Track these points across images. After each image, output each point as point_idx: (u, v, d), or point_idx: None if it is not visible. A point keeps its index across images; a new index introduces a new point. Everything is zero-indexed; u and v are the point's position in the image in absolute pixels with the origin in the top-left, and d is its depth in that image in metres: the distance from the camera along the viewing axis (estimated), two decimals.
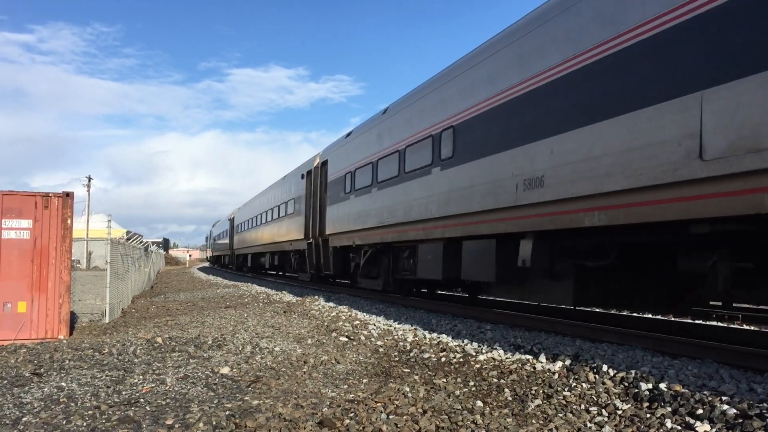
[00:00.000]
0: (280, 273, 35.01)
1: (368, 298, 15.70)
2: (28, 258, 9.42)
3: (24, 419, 4.82)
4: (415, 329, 9.50)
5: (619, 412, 4.67)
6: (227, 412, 4.94)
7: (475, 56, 10.19)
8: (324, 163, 19.45)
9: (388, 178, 13.30)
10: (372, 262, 15.43)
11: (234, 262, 45.03)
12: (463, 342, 8.11)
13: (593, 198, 6.93)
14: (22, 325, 9.25)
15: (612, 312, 11.43)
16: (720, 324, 9.95)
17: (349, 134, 17.51)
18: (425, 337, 8.70)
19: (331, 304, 13.79)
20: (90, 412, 4.99)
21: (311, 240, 19.98)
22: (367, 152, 14.98)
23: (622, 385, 5.33)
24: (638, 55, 6.39)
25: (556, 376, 5.88)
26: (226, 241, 48.72)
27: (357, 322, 10.67)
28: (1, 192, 9.42)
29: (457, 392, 5.58)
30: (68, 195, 9.81)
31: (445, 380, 6.05)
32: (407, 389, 5.66)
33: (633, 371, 5.61)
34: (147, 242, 28.06)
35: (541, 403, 5.08)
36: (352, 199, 15.77)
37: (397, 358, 7.45)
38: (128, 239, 18.13)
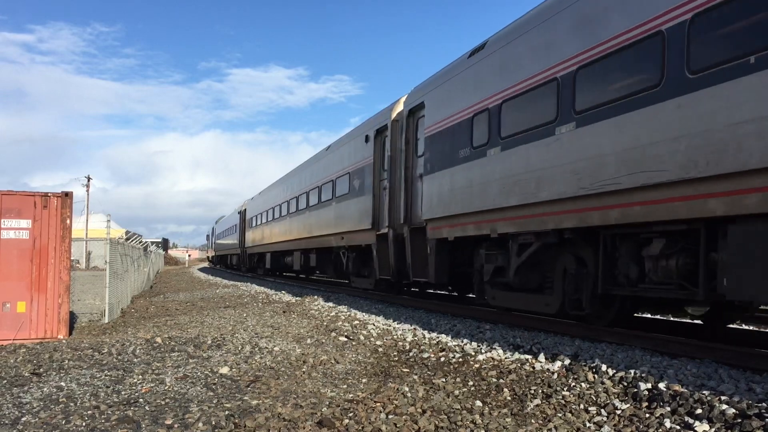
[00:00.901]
0: (303, 276, 29.23)
1: (367, 298, 15.69)
2: (27, 258, 9.41)
3: (23, 419, 4.82)
4: (415, 329, 9.50)
5: (618, 412, 4.68)
6: (226, 412, 4.94)
7: None
8: (415, 111, 12.70)
9: (622, 96, 6.83)
10: (533, 264, 9.05)
11: (245, 262, 37.41)
12: (462, 342, 8.11)
13: None
14: (21, 325, 9.25)
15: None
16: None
17: (481, 47, 10.23)
18: (424, 337, 8.70)
19: (331, 304, 13.80)
20: (89, 411, 5.00)
21: (386, 230, 13.85)
22: (541, 63, 8.30)
23: (621, 385, 5.34)
24: None
25: (556, 375, 5.88)
26: (234, 238, 41.64)
27: (356, 321, 10.67)
28: (0, 192, 9.41)
29: (456, 392, 5.58)
30: (67, 195, 9.81)
31: (444, 380, 6.06)
32: (406, 389, 5.66)
33: (632, 371, 5.61)
34: (146, 242, 28.02)
35: (540, 402, 5.09)
36: (493, 155, 9.30)
37: (396, 358, 7.46)
38: (127, 239, 18.13)
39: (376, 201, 14.64)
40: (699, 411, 4.42)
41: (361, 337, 9.00)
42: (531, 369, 6.23)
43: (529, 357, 6.81)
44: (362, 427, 4.53)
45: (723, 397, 4.62)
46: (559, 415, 4.75)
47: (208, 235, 74.65)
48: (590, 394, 5.16)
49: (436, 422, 4.61)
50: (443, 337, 8.56)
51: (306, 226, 21.22)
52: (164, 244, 74.57)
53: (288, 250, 25.00)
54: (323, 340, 8.87)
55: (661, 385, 5.05)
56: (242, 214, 37.94)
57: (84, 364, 7.12)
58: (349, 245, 16.73)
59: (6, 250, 9.33)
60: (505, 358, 6.91)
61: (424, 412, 4.90)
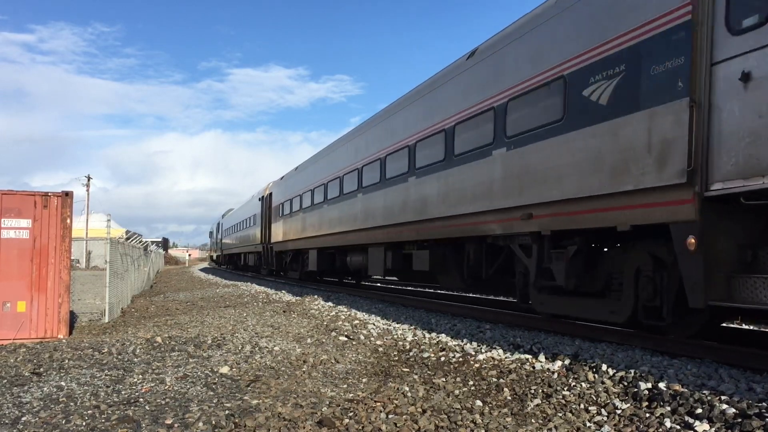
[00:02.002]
0: (369, 283, 22.81)
1: (367, 298, 15.69)
2: (27, 257, 9.41)
3: (23, 419, 4.82)
4: (415, 329, 9.50)
5: (619, 412, 4.68)
6: (227, 412, 4.94)
7: None
8: None
9: None
10: None
11: (270, 262, 28.52)
12: (462, 341, 8.11)
13: None
14: (21, 324, 9.25)
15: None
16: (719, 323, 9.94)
17: None
18: (424, 337, 8.70)
19: (330, 304, 13.79)
20: (89, 411, 5.00)
21: None
22: None
23: (621, 385, 5.34)
24: None
25: (556, 375, 5.88)
26: (253, 232, 32.66)
27: (356, 321, 10.68)
28: (0, 191, 9.42)
29: (457, 392, 5.58)
30: (67, 194, 9.81)
31: (444, 380, 6.06)
32: (407, 389, 5.66)
33: (632, 371, 5.61)
34: (146, 242, 28.01)
35: (540, 402, 5.08)
36: None
37: (396, 358, 7.46)
38: (128, 239, 18.14)
39: (702, 115, 5.86)
40: (699, 411, 4.42)
41: (362, 337, 9.00)
42: (531, 369, 6.23)
43: (529, 357, 6.81)
44: (362, 427, 4.53)
45: (723, 397, 4.62)
46: (560, 414, 4.75)
47: (211, 232, 65.11)
48: (590, 393, 5.16)
49: (437, 422, 4.61)
50: (443, 337, 8.56)
51: (407, 204, 12.62)
52: (164, 244, 73.95)
53: (356, 246, 16.35)
54: (323, 340, 8.87)
55: (662, 385, 5.05)
56: (266, 200, 29.06)
57: (84, 363, 7.12)
58: (555, 230, 8.16)
59: (6, 250, 9.33)
60: (506, 357, 6.91)
61: (424, 411, 4.90)
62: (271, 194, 28.29)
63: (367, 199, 14.96)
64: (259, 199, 30.82)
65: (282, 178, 26.77)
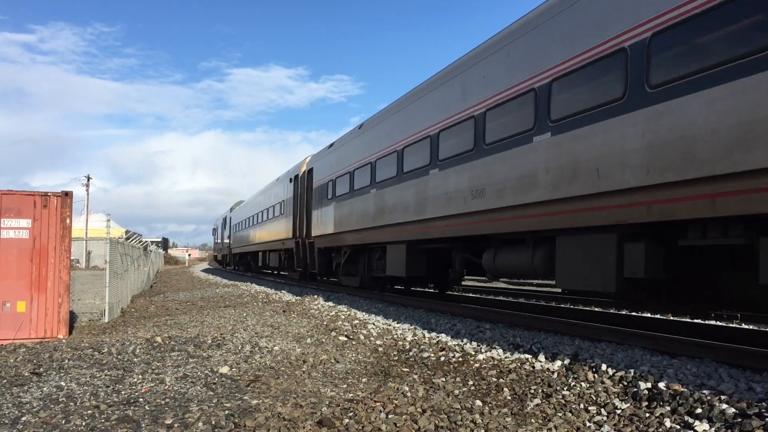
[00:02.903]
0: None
1: (367, 298, 15.69)
2: (27, 257, 9.41)
3: (23, 419, 4.82)
4: (414, 329, 9.50)
5: (618, 412, 4.68)
6: (226, 412, 4.95)
7: None
8: None
9: None
10: None
11: (307, 264, 20.94)
12: (462, 341, 8.11)
13: None
14: (21, 324, 9.25)
15: (611, 311, 11.44)
16: (719, 323, 9.96)
17: None
18: (424, 337, 8.70)
19: (330, 304, 13.79)
20: (89, 411, 5.00)
21: None
22: None
23: (621, 385, 5.34)
24: None
25: (555, 375, 5.89)
26: (280, 226, 24.84)
27: (356, 321, 10.68)
28: (0, 191, 9.41)
29: (456, 391, 5.58)
30: (67, 194, 9.81)
31: (444, 379, 6.06)
32: (406, 388, 5.66)
33: (632, 370, 5.61)
34: (146, 242, 27.98)
35: (540, 402, 5.09)
36: None
37: (396, 358, 7.46)
38: (127, 239, 18.14)
39: None
40: (699, 410, 4.42)
41: (361, 337, 9.00)
42: (531, 368, 6.23)
43: (529, 356, 6.81)
44: (362, 427, 4.53)
45: (723, 397, 4.62)
46: (559, 414, 4.76)
47: (215, 229, 55.97)
48: (590, 393, 5.16)
49: (436, 422, 4.61)
50: (443, 337, 8.56)
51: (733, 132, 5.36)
52: (164, 244, 73.65)
53: (514, 234, 9.27)
54: (323, 340, 8.87)
55: (661, 385, 5.05)
56: (302, 180, 21.82)
57: (84, 363, 7.12)
58: None
59: (6, 250, 9.33)
60: (505, 357, 6.91)
61: (424, 411, 4.90)
62: (311, 171, 20.70)
63: (569, 142, 7.59)
64: (291, 180, 23.28)
65: (331, 146, 19.09)
